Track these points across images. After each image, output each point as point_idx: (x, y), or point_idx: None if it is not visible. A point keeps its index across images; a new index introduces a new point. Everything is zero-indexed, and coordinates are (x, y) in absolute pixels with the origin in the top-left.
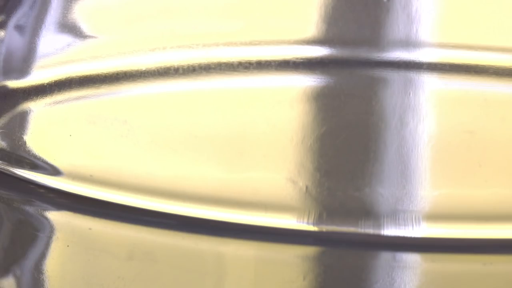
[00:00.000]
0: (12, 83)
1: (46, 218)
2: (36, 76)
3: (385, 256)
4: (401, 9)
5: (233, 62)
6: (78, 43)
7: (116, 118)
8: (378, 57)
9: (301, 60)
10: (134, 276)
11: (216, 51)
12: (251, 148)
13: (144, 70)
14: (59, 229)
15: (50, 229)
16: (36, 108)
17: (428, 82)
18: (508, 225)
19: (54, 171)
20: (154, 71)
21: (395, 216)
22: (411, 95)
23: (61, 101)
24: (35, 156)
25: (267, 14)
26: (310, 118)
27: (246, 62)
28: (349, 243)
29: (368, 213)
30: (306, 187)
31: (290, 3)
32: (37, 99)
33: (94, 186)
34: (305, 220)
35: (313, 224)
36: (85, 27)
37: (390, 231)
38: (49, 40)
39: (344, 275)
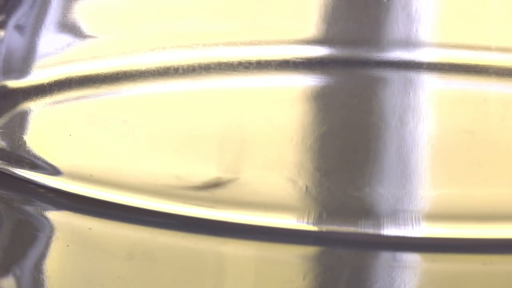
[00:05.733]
0: (12, 83)
1: (46, 218)
2: (36, 76)
3: (385, 256)
4: (401, 9)
5: (233, 62)
6: (78, 43)
7: (116, 118)
8: (378, 57)
9: (301, 60)
10: (134, 276)
11: (216, 51)
12: (251, 148)
13: (144, 70)
14: (59, 229)
15: (50, 229)
16: (36, 108)
17: (428, 82)
18: (508, 225)
19: (54, 171)
20: (154, 71)
21: (395, 216)
22: (411, 95)
23: (61, 101)
24: (35, 156)
25: (267, 14)
26: (310, 118)
27: (246, 62)
28: (349, 243)
29: (368, 213)
30: (306, 187)
31: (290, 3)
32: (37, 99)
33: (94, 186)
34: (305, 220)
35: (313, 224)
36: (85, 27)
37: (390, 231)
38: (49, 40)
39: (344, 275)
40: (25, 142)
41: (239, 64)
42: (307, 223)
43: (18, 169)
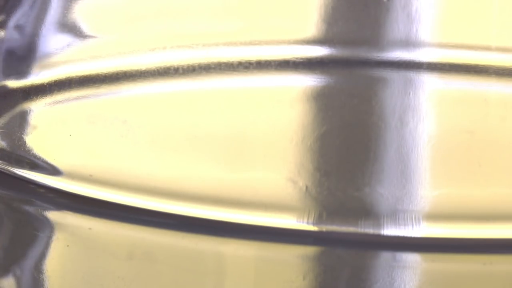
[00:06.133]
0: (12, 83)
1: (46, 218)
2: (36, 76)
3: (385, 256)
4: (401, 9)
5: (233, 62)
6: (78, 43)
7: (116, 118)
8: (378, 57)
9: (301, 60)
10: (134, 276)
11: (216, 51)
12: (251, 148)
13: (144, 70)
14: (59, 229)
15: (50, 229)
16: (36, 108)
17: (428, 82)
18: (508, 225)
19: (54, 171)
20: (154, 71)
21: (395, 216)
22: (411, 95)
23: (61, 101)
24: (35, 156)
25: (267, 14)
26: (310, 118)
27: (246, 62)
28: (349, 243)
29: (368, 213)
30: (306, 187)
31: (290, 3)
32: (37, 99)
33: (94, 186)
34: (305, 220)
35: (313, 224)
36: (85, 27)
37: (390, 231)
38: (49, 40)
39: (344, 275)
40: (25, 142)
41: (239, 64)
42: (307, 223)
43: (18, 169)
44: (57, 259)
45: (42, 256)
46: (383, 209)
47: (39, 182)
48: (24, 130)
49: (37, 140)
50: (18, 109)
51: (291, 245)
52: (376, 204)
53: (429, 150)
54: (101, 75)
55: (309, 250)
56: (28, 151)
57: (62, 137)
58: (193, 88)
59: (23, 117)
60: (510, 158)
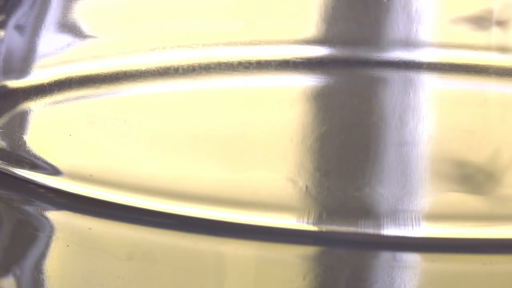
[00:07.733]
0: (12, 83)
1: (46, 218)
2: (36, 76)
3: (385, 256)
4: (401, 9)
5: (233, 62)
6: (78, 43)
7: (116, 118)
8: (378, 57)
9: (301, 60)
10: (134, 276)
11: (216, 51)
12: (251, 148)
13: (144, 70)
14: (59, 229)
15: (50, 229)
16: (36, 108)
17: (428, 82)
18: (508, 225)
19: (54, 171)
20: (154, 71)
21: (395, 216)
22: (411, 95)
23: (61, 101)
24: (35, 156)
25: (267, 14)
26: (310, 118)
27: (246, 62)
28: (349, 243)
29: (368, 213)
30: (306, 187)
31: (290, 3)
32: (37, 99)
33: (94, 186)
34: (305, 220)
35: (313, 224)
36: (85, 27)
37: (390, 231)
38: (49, 40)
39: (344, 275)
40: (25, 142)
41: (239, 64)
42: (307, 223)
43: (18, 169)
44: (57, 259)
45: (42, 256)
46: (383, 209)
47: (39, 182)
48: (24, 130)
49: (37, 140)
50: (18, 109)
51: (291, 245)
52: (376, 204)
53: (429, 150)
54: (101, 75)
55: (309, 250)
56: (28, 151)
57: (62, 137)
58: (193, 88)
59: (23, 117)
60: (510, 158)
